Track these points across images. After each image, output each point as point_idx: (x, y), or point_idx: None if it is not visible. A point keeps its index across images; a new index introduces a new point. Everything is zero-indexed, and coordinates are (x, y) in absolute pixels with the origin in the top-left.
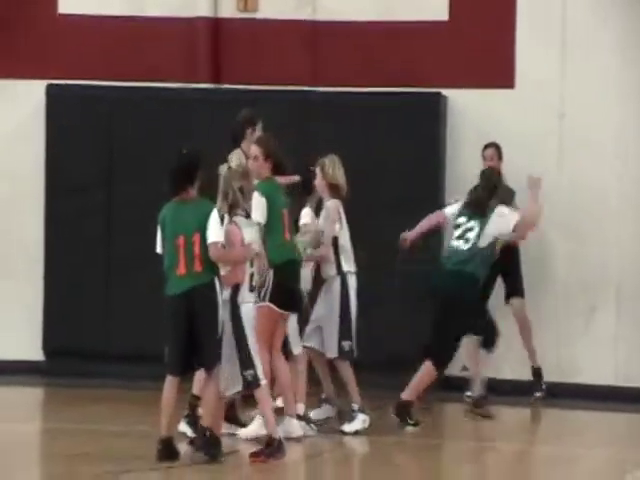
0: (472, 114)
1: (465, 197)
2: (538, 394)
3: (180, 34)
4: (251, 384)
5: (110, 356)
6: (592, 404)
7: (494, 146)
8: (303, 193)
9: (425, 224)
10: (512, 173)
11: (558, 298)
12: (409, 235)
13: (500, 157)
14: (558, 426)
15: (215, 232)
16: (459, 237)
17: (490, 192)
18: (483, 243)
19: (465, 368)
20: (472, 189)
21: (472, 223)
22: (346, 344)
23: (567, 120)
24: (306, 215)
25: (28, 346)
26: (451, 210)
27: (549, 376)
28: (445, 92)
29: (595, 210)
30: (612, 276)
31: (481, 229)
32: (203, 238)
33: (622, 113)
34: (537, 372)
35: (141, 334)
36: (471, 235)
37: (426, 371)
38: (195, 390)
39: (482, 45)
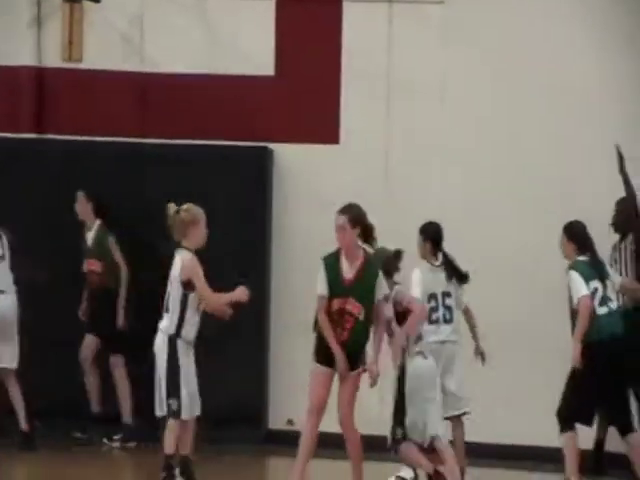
0: (298, 169)
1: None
2: None
3: (2, 83)
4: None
5: None
6: None
7: None
8: None
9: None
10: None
11: None
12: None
13: None
14: None
15: None
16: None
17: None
18: None
19: (290, 422)
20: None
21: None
22: None
23: (391, 176)
24: None
25: None
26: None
27: None
28: (272, 146)
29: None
30: None
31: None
32: None
33: (445, 171)
34: None
35: None
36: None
37: None
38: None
39: (307, 100)
